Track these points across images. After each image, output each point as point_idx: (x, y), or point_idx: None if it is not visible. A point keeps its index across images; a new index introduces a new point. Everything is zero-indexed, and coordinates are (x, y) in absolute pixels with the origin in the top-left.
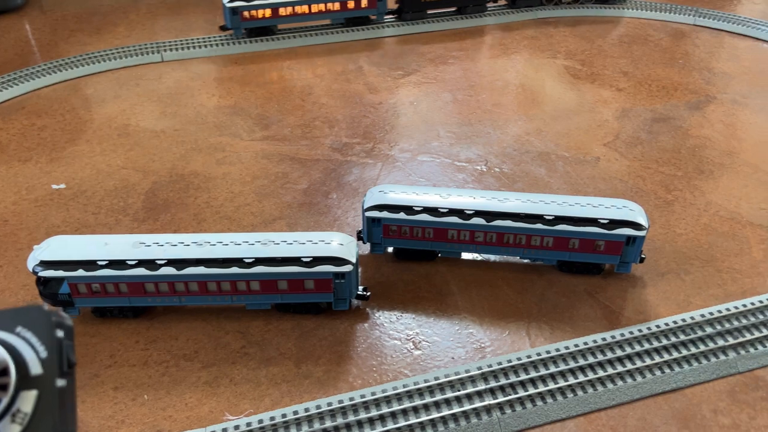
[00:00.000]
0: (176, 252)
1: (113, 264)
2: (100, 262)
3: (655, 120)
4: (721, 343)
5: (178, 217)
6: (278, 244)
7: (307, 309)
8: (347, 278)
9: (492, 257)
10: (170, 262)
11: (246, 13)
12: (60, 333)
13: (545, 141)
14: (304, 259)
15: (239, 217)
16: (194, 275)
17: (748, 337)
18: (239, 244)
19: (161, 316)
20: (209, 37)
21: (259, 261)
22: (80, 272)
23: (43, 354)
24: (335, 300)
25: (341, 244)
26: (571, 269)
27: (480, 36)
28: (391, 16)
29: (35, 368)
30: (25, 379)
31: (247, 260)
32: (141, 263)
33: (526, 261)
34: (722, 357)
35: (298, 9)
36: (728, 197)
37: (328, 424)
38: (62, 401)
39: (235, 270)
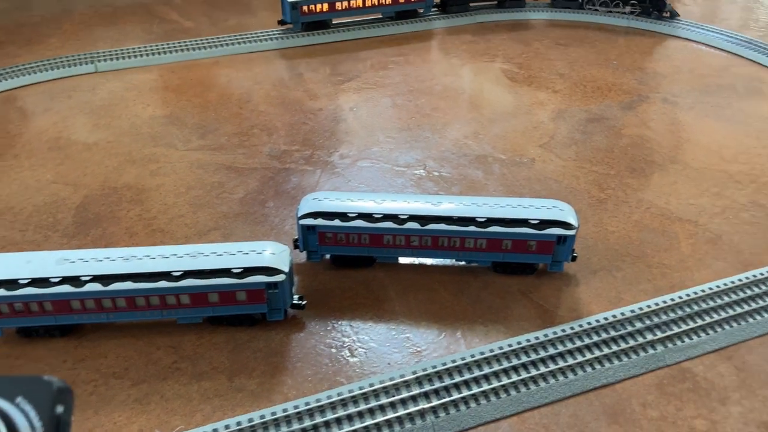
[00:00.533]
0: (102, 268)
1: (36, 282)
2: (21, 281)
3: (589, 120)
4: (650, 337)
5: (109, 232)
6: (207, 256)
7: (241, 321)
8: (280, 288)
9: (429, 261)
10: (96, 278)
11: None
12: (60, 409)
13: (482, 144)
14: (235, 271)
15: (173, 230)
16: (121, 291)
17: (676, 330)
18: (167, 258)
19: (90, 333)
20: (146, 47)
21: (188, 274)
22: (1, 292)
23: (39, 430)
24: (269, 311)
25: (273, 253)
26: (506, 270)
27: (419, 41)
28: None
29: None
30: None
31: (175, 274)
32: (65, 280)
33: (461, 263)
34: (651, 351)
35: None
36: (659, 194)
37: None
38: None
39: (163, 284)
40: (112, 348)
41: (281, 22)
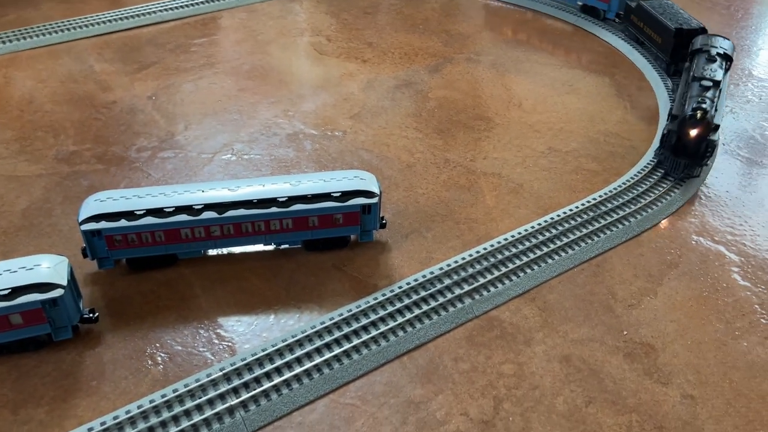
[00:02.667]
0: None
1: None
2: None
3: (397, 87)
4: (458, 291)
5: None
6: None
7: (24, 345)
8: (60, 304)
9: (237, 249)
10: None
11: None
12: None
13: (293, 121)
14: (1, 293)
15: None
16: None
17: (482, 281)
18: None
19: None
20: None
21: None
22: None
23: None
24: (54, 330)
25: (49, 267)
26: (317, 247)
27: (224, 20)
28: None
29: None
30: None
31: None
32: None
33: (271, 247)
34: (459, 305)
35: None
36: (464, 152)
37: None
38: None
39: None
40: None
41: None
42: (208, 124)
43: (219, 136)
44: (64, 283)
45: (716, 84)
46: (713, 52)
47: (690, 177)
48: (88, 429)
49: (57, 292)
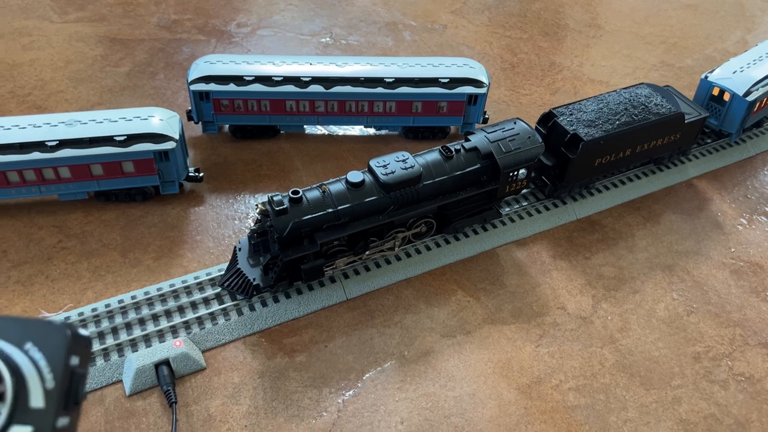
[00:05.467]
0: None
1: None
2: None
3: None
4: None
5: None
6: (86, 123)
7: (132, 196)
8: (171, 157)
9: (337, 130)
10: None
11: None
12: (75, 361)
13: (392, 11)
14: (118, 138)
15: (51, 106)
16: None
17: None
18: (39, 127)
19: None
20: None
21: (63, 143)
22: None
23: (50, 384)
24: (162, 183)
25: (161, 119)
26: (417, 135)
27: None
28: None
29: (36, 400)
30: (22, 411)
31: (49, 144)
32: None
33: (371, 131)
34: (561, 205)
35: None
36: (571, 57)
37: (158, 308)
38: None
39: (36, 155)
40: None
41: None
42: (307, 6)
43: (317, 20)
44: (176, 136)
45: None
46: None
47: None
48: (195, 277)
49: (169, 145)
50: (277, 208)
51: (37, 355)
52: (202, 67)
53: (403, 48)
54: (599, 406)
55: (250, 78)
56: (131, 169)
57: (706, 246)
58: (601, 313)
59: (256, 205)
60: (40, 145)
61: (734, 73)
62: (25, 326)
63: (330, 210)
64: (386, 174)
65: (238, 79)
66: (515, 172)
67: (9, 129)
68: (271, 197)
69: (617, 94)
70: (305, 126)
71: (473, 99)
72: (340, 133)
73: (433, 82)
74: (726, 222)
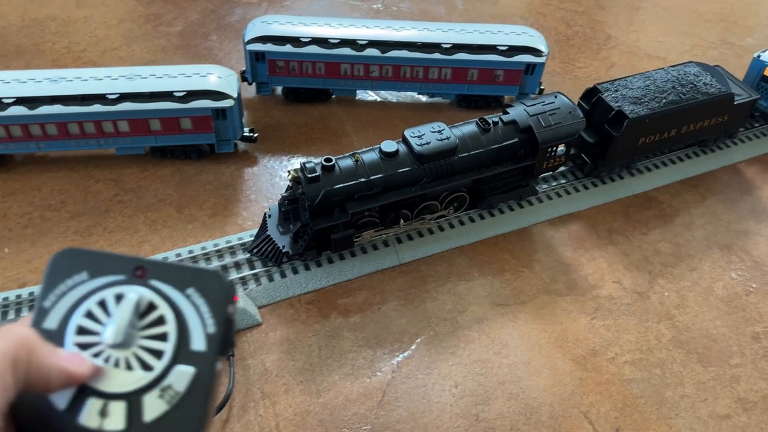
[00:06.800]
0: (26, 90)
1: None
2: None
3: None
4: (616, 169)
5: (33, 64)
6: (146, 78)
7: (187, 153)
8: (229, 116)
9: (389, 96)
10: (19, 101)
11: None
12: (231, 309)
13: None
14: (177, 94)
15: (105, 63)
16: (50, 115)
17: (643, 160)
18: (101, 80)
19: (20, 167)
20: None
21: (124, 97)
22: None
23: (211, 329)
24: (218, 141)
25: (220, 77)
26: (470, 104)
27: None
28: None
29: (198, 343)
30: (185, 353)
31: (110, 96)
32: None
33: (423, 99)
34: (618, 180)
35: None
36: (627, 31)
37: (215, 263)
38: (214, 388)
39: (97, 108)
40: (45, 181)
41: None
42: None
43: None
44: (235, 95)
45: None
46: None
47: None
48: (251, 235)
49: (227, 102)
50: (310, 176)
51: (199, 301)
52: (259, 27)
53: (455, 17)
54: (655, 380)
55: (307, 40)
56: (189, 126)
57: (766, 227)
58: (658, 289)
59: (288, 171)
60: (101, 98)
61: None
62: (187, 273)
63: (362, 179)
64: (421, 144)
65: (295, 41)
66: (554, 148)
67: (71, 81)
68: (304, 164)
69: (665, 72)
70: (357, 91)
71: (531, 68)
72: (392, 100)
73: (490, 49)
74: None
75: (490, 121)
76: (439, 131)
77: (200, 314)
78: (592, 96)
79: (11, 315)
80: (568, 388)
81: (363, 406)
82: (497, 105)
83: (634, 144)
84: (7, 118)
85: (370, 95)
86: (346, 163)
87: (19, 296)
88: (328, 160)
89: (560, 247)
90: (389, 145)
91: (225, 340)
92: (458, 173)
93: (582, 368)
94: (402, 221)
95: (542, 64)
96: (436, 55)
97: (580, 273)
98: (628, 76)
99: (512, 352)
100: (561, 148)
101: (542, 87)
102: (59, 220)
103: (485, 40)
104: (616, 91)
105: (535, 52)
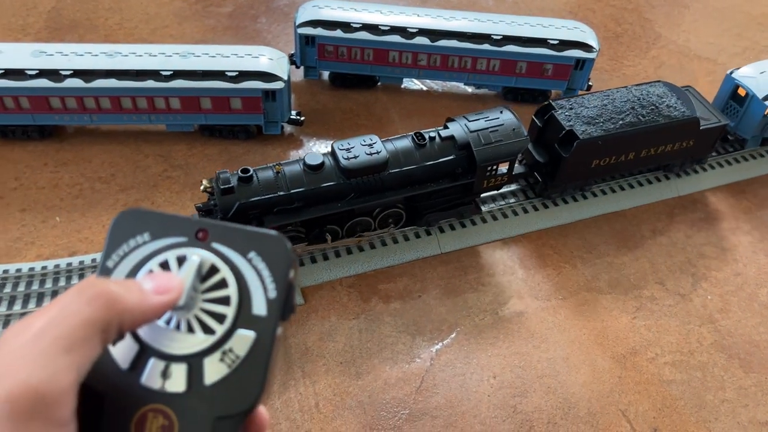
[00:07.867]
0: (83, 63)
1: (9, 74)
2: None
3: None
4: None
5: (86, 39)
6: (199, 56)
7: (235, 133)
8: (278, 97)
9: (434, 86)
10: (76, 74)
11: None
12: (292, 274)
13: None
14: (229, 74)
15: (156, 40)
16: (105, 89)
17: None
18: (155, 56)
19: (72, 138)
20: None
21: (177, 74)
22: None
23: (272, 294)
24: (265, 123)
25: (271, 59)
26: (516, 97)
27: None
28: None
29: (259, 308)
30: (246, 317)
31: (164, 73)
32: (42, 73)
33: (469, 90)
34: (664, 180)
35: None
36: (678, 31)
37: None
38: (275, 353)
39: (150, 84)
40: (96, 153)
41: None
42: None
43: None
44: (285, 77)
45: None
46: None
47: None
48: None
49: (277, 84)
50: (223, 187)
51: (261, 265)
52: (310, 11)
53: (504, 9)
54: (695, 383)
55: (357, 25)
56: (238, 106)
57: None
58: (701, 292)
59: (201, 181)
60: (155, 74)
61: (762, 73)
62: (249, 236)
63: (282, 193)
64: (348, 158)
65: (346, 26)
66: (494, 167)
67: (126, 56)
68: (218, 174)
69: (627, 91)
70: (403, 79)
71: (580, 64)
72: (437, 89)
73: (541, 42)
74: None
75: (426, 137)
76: (370, 144)
77: (261, 278)
78: (545, 113)
79: (62, 282)
80: (606, 386)
81: (401, 391)
82: (543, 99)
83: (586, 166)
84: (63, 90)
85: (416, 84)
86: (266, 174)
87: (69, 264)
88: (245, 170)
89: (603, 245)
90: (314, 158)
91: (286, 306)
92: (389, 189)
93: (621, 366)
94: (329, 237)
95: (592, 60)
96: (486, 46)
97: (623, 272)
98: (587, 94)
99: (551, 347)
100: (503, 167)
101: (590, 83)
102: (109, 192)
103: (536, 33)
104: (571, 109)
105: (585, 47)
